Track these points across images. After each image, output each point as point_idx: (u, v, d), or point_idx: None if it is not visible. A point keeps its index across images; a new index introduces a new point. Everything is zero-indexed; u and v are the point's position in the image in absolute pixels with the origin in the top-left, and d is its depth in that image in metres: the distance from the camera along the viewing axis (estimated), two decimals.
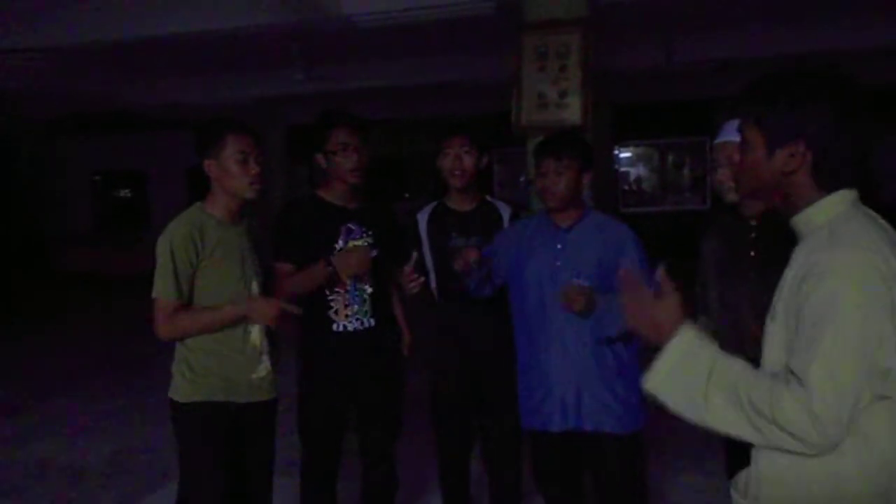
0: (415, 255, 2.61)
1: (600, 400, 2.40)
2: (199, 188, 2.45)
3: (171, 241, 2.24)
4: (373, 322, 2.67)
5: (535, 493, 2.80)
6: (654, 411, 2.37)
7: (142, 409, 5.08)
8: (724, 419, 1.30)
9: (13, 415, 5.25)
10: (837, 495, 1.29)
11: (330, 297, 2.63)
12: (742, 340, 2.07)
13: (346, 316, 2.64)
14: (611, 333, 2.36)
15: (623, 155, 13.26)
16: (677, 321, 1.37)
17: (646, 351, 2.35)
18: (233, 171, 2.30)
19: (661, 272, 1.42)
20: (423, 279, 2.58)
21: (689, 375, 1.34)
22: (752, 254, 2.17)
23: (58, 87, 8.70)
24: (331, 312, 2.64)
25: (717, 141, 2.27)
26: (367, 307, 2.66)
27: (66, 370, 6.57)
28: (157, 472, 3.94)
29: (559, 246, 2.47)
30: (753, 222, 2.21)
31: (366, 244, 2.64)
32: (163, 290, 2.24)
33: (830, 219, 1.35)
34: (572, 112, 4.71)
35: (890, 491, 1.29)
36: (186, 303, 2.27)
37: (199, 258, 2.26)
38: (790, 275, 1.36)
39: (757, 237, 2.19)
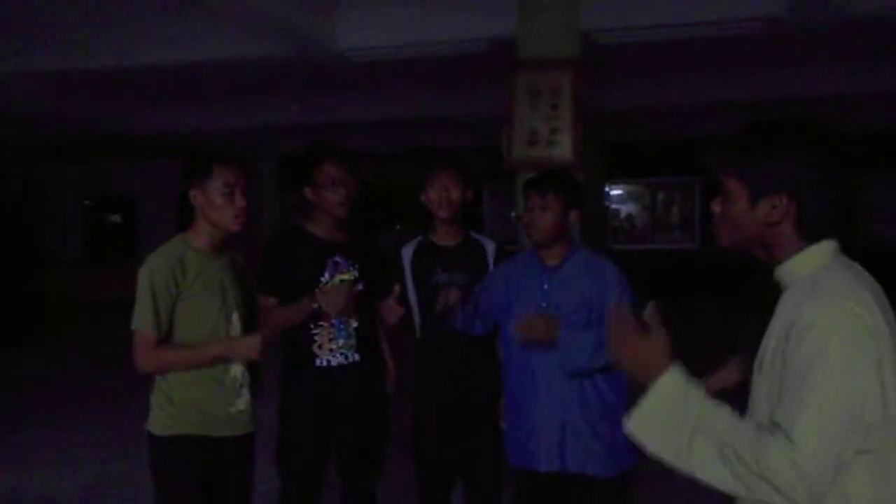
0: (397, 287, 2.60)
1: (584, 442, 2.39)
2: (190, 215, 2.44)
3: (151, 274, 2.22)
4: (357, 357, 2.65)
5: None
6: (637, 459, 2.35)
7: (119, 440, 4.99)
8: (707, 468, 1.28)
9: None
10: None
11: (314, 331, 2.60)
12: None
13: (331, 350, 2.61)
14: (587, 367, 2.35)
15: (614, 192, 13.35)
16: (664, 360, 1.35)
17: (632, 394, 2.34)
18: (217, 203, 2.28)
19: (651, 309, 1.40)
20: (402, 310, 2.57)
21: (673, 420, 1.31)
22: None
23: (50, 111, 8.70)
24: (314, 347, 2.61)
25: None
26: (352, 341, 2.64)
27: (43, 398, 6.45)
28: None
29: (545, 286, 2.48)
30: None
31: (352, 278, 2.63)
32: (141, 323, 2.22)
33: (814, 270, 1.35)
34: (563, 149, 4.74)
35: None
36: (165, 336, 2.25)
37: (179, 290, 2.24)
38: (776, 326, 1.35)
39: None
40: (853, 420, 1.22)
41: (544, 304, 2.45)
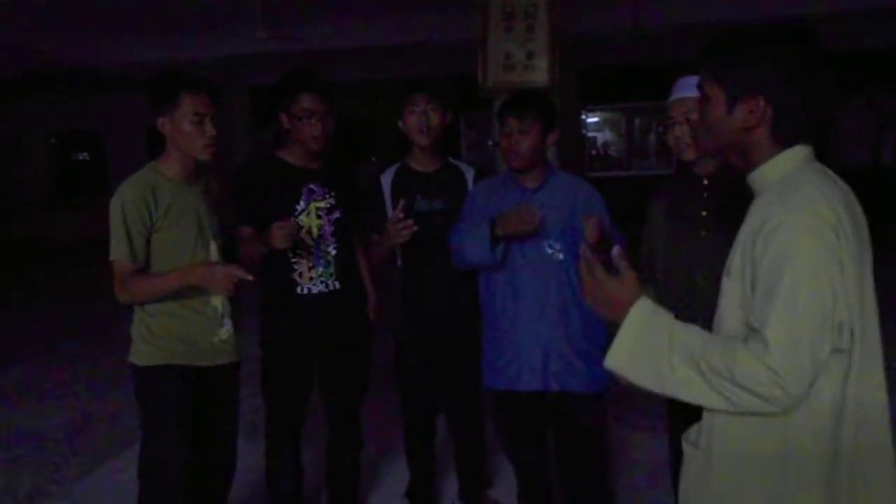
0: (402, 202, 2.56)
1: (568, 361, 2.42)
2: (159, 150, 2.37)
3: (122, 203, 2.17)
4: (338, 285, 2.64)
5: (500, 451, 2.83)
6: None
7: (103, 374, 5.01)
8: (689, 388, 1.30)
9: None
10: (786, 447, 1.31)
11: (293, 260, 2.59)
12: (690, 305, 2.04)
13: (311, 279, 2.60)
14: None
15: (590, 120, 13.28)
16: (633, 297, 1.38)
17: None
18: (187, 131, 2.21)
19: (616, 251, 1.43)
20: (414, 225, 2.49)
21: (650, 349, 1.34)
22: (704, 213, 2.12)
23: (9, 44, 8.37)
24: (294, 275, 2.60)
25: (672, 98, 2.19)
26: (332, 269, 2.63)
27: (25, 337, 6.44)
28: (120, 437, 3.91)
29: None
30: (706, 181, 2.15)
31: (327, 205, 2.60)
32: (116, 252, 2.18)
33: (785, 174, 1.35)
34: (539, 73, 4.68)
35: (836, 440, 1.30)
36: (143, 265, 2.22)
37: (153, 220, 2.20)
38: (744, 231, 1.36)
39: (709, 196, 2.13)
40: (824, 317, 1.24)
41: None
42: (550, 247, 2.42)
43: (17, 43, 8.39)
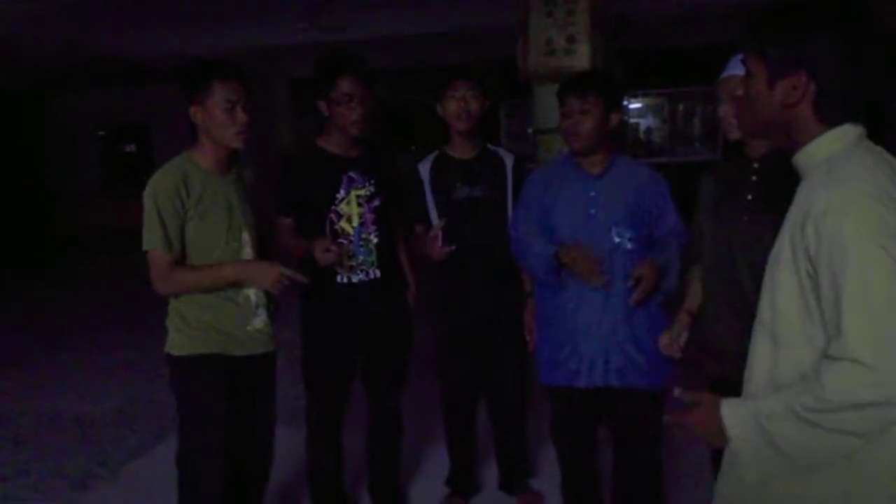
0: (443, 221, 2.54)
1: (630, 356, 2.32)
2: (196, 133, 2.37)
3: (154, 193, 2.18)
4: (378, 273, 2.63)
5: (543, 442, 2.80)
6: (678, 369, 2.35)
7: (148, 361, 5.11)
8: (805, 444, 1.22)
9: (22, 366, 5.30)
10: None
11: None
12: (734, 288, 1.99)
13: (351, 267, 2.59)
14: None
15: (633, 106, 13.06)
16: (717, 418, 1.33)
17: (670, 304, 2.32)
18: (219, 119, 2.20)
19: (678, 393, 1.43)
20: (453, 248, 2.50)
21: (760, 447, 1.28)
22: (749, 197, 2.03)
23: (58, 37, 8.56)
24: (335, 264, 2.59)
25: (721, 76, 2.10)
26: (372, 258, 2.62)
27: (72, 324, 6.61)
28: (165, 423, 3.98)
29: (592, 193, 2.34)
30: (756, 164, 2.05)
31: (368, 193, 2.59)
32: (151, 242, 2.18)
33: (831, 155, 1.28)
34: (580, 58, 4.60)
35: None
36: (179, 255, 2.22)
37: (185, 209, 2.20)
38: (791, 216, 1.30)
39: (757, 180, 2.03)
40: None
41: (592, 212, 2.32)
42: (619, 235, 2.30)
43: (65, 36, 8.57)
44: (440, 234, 2.51)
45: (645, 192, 2.34)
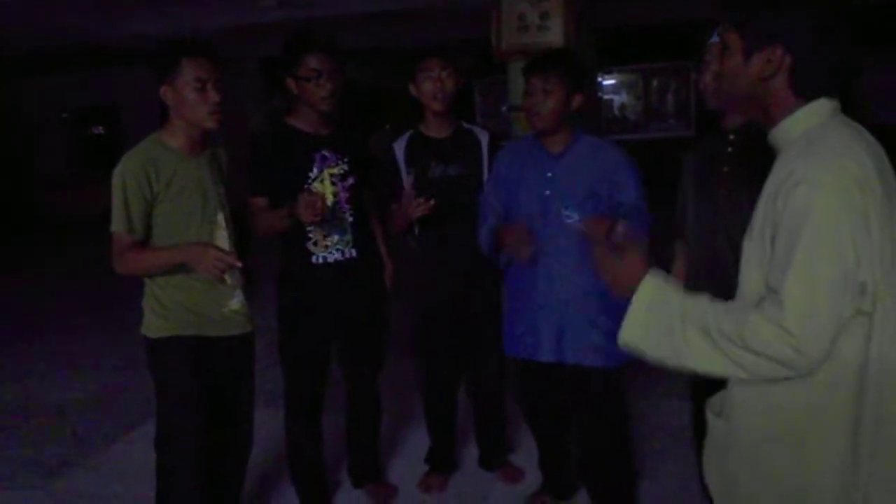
0: (411, 177, 2.53)
1: (584, 335, 2.36)
2: (167, 114, 2.33)
3: (123, 175, 2.15)
4: (354, 252, 2.61)
5: (521, 419, 2.82)
6: None
7: (122, 347, 5.05)
8: (704, 359, 1.27)
9: None
10: (809, 413, 1.27)
11: (308, 228, 2.55)
12: (715, 261, 2.01)
13: (326, 247, 2.57)
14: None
15: (606, 82, 13.06)
16: (640, 273, 1.37)
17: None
18: (189, 98, 2.16)
19: (619, 230, 1.41)
20: (432, 201, 2.47)
21: (662, 322, 1.32)
22: (726, 169, 2.05)
23: (18, 21, 8.34)
24: (309, 244, 2.57)
25: (709, 42, 2.06)
26: (348, 237, 2.60)
27: (45, 311, 6.52)
28: (140, 410, 3.94)
29: (549, 174, 2.37)
30: (731, 136, 2.07)
31: (341, 172, 2.56)
32: (115, 223, 2.16)
33: (808, 129, 1.29)
34: (554, 35, 4.58)
35: (860, 404, 1.25)
36: (142, 238, 2.19)
37: (155, 191, 2.17)
38: (766, 191, 1.31)
39: (733, 152, 2.05)
40: (845, 277, 1.18)
41: (548, 193, 2.36)
42: (568, 217, 2.33)
43: (27, 20, 8.35)
44: (412, 192, 2.49)
45: (605, 171, 2.35)
